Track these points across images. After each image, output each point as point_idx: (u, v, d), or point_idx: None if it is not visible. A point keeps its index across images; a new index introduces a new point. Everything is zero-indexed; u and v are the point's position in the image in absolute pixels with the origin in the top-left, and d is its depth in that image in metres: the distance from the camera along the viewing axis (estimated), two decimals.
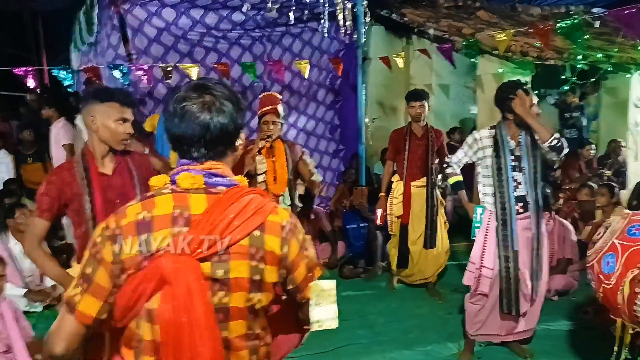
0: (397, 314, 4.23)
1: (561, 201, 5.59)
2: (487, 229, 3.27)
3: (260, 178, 3.61)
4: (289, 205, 3.67)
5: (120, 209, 1.24)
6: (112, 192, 2.23)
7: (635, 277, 1.89)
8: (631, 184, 6.44)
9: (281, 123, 3.60)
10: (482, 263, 3.28)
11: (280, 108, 3.56)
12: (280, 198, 3.66)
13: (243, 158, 3.50)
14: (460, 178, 3.49)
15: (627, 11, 3.16)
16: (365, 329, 3.95)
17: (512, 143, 3.18)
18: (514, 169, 3.16)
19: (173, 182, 1.25)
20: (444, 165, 3.57)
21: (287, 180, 3.65)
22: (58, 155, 5.57)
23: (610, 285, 2.01)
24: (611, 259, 2.02)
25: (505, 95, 3.16)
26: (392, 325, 4.02)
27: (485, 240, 3.28)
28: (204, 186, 1.23)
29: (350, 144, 6.55)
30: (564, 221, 4.68)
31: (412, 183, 4.44)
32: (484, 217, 3.32)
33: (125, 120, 2.19)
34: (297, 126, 6.43)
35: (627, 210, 2.52)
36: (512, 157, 3.16)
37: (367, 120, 6.49)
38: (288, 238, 1.26)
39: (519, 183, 3.17)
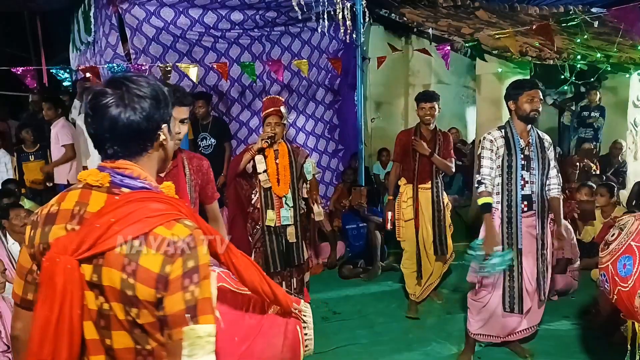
0: (397, 314, 4.23)
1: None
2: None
3: (262, 177, 3.64)
4: (292, 207, 3.69)
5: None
6: None
7: None
8: (630, 183, 6.45)
9: (284, 124, 3.66)
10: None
11: (283, 110, 3.63)
12: (283, 199, 3.69)
13: (241, 155, 3.63)
14: (490, 200, 3.20)
15: (626, 10, 3.16)
16: (365, 329, 3.95)
17: (522, 142, 3.22)
18: (522, 167, 3.19)
19: None
20: (475, 185, 3.34)
21: (291, 181, 3.69)
22: (58, 155, 5.58)
23: (627, 288, 1.98)
24: (628, 261, 1.98)
25: (513, 91, 3.21)
26: (392, 325, 4.01)
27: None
28: (107, 185, 1.19)
29: (350, 143, 6.55)
30: (564, 221, 4.66)
31: (419, 186, 4.18)
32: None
33: (183, 121, 2.17)
34: (297, 125, 6.41)
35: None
36: (522, 156, 3.19)
37: (370, 120, 6.49)
38: (173, 259, 1.10)
39: (526, 182, 3.20)
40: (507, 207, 3.19)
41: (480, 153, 3.29)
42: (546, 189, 3.29)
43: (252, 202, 3.75)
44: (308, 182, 3.87)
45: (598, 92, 6.86)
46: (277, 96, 3.83)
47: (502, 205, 3.21)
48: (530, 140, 3.22)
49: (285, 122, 3.68)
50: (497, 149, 3.23)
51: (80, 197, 1.20)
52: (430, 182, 4.14)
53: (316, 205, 3.86)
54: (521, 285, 3.23)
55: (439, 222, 4.16)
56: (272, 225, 3.65)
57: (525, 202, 3.19)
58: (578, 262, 4.62)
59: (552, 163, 3.33)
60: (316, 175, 4.02)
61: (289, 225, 3.70)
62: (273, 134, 3.56)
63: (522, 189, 3.18)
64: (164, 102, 1.23)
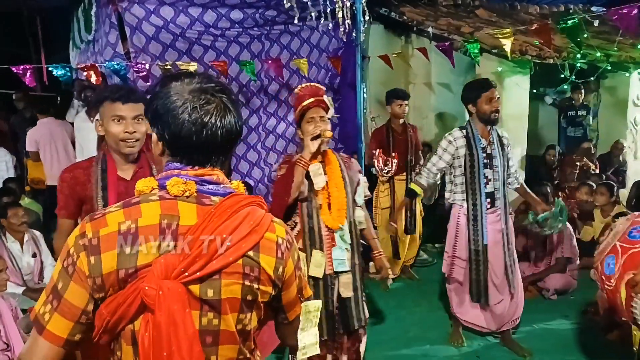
0: (396, 313, 4.23)
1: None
2: (457, 223, 3.42)
3: (320, 198, 2.57)
4: (349, 244, 2.64)
5: (98, 214, 1.10)
6: None
7: (630, 281, 1.89)
8: (630, 182, 6.44)
9: (330, 120, 2.66)
10: (454, 254, 3.46)
11: (327, 100, 2.63)
12: (337, 234, 2.58)
13: (290, 174, 2.52)
14: (419, 190, 3.50)
15: (626, 10, 3.18)
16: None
17: (484, 141, 3.31)
18: (485, 165, 3.29)
19: (162, 187, 1.13)
20: (418, 171, 3.63)
21: (347, 207, 2.61)
22: (43, 155, 5.58)
23: (611, 287, 2.02)
24: (612, 260, 2.03)
25: (470, 94, 3.33)
26: (392, 324, 4.01)
27: (456, 234, 3.45)
28: (195, 194, 1.12)
29: (349, 142, 6.54)
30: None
31: (395, 178, 4.81)
32: (454, 212, 3.45)
33: (120, 118, 2.00)
34: (296, 124, 6.43)
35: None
36: (484, 155, 3.29)
37: (370, 119, 6.49)
38: (284, 258, 1.17)
39: (489, 179, 3.31)
40: (472, 205, 3.31)
41: (437, 148, 3.44)
42: (508, 182, 3.50)
43: None
44: (359, 207, 2.79)
45: (582, 92, 6.87)
46: (316, 84, 2.75)
47: (467, 203, 3.33)
48: (491, 139, 3.33)
49: (330, 116, 2.66)
50: (457, 149, 3.33)
51: (163, 210, 1.09)
52: (405, 173, 4.77)
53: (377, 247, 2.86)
54: (486, 279, 3.35)
55: (411, 208, 4.75)
56: (320, 274, 2.52)
57: (489, 199, 3.32)
58: (578, 262, 4.62)
59: (510, 159, 3.49)
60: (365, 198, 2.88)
61: (344, 272, 2.60)
62: (321, 131, 2.52)
63: (486, 187, 3.29)
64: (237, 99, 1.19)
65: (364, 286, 2.77)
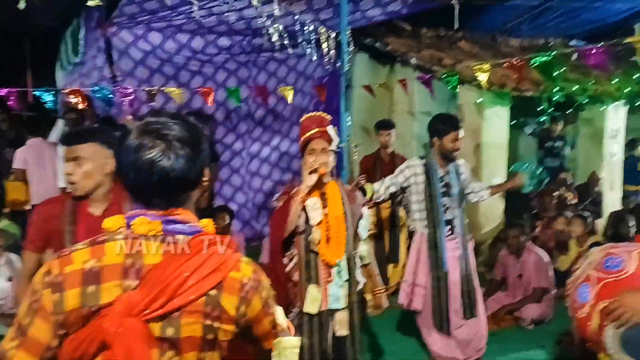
0: (374, 342, 4.22)
1: (538, 230, 5.67)
2: (419, 250, 3.52)
3: (316, 233, 2.49)
4: (346, 280, 2.53)
5: (65, 252, 1.13)
6: None
7: (604, 309, 1.94)
8: (607, 213, 6.56)
9: (334, 152, 2.55)
10: (414, 281, 3.53)
11: (331, 131, 2.54)
12: (334, 270, 2.50)
13: (286, 207, 2.51)
14: (369, 190, 3.52)
15: (595, 50, 3.33)
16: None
17: (441, 171, 3.47)
18: (443, 194, 3.44)
19: (129, 226, 1.15)
20: (401, 198, 3.73)
21: (346, 241, 2.52)
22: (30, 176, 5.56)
23: (583, 316, 2.05)
24: (585, 289, 2.06)
25: (438, 128, 3.46)
26: (369, 354, 4.01)
27: (417, 260, 3.53)
28: (161, 234, 1.13)
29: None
30: (540, 250, 4.74)
31: (381, 205, 4.83)
32: (415, 240, 3.57)
33: (65, 159, 2.06)
34: (280, 149, 6.50)
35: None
36: (442, 184, 3.44)
37: (353, 146, 6.57)
38: (248, 297, 1.16)
39: (447, 208, 3.45)
40: (433, 232, 3.43)
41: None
42: (478, 198, 3.67)
43: (286, 270, 2.57)
44: (363, 241, 2.71)
45: (560, 123, 7.05)
46: (321, 113, 2.66)
47: (428, 231, 3.45)
48: (448, 169, 3.49)
49: (335, 148, 2.56)
50: (414, 176, 3.49)
51: (129, 249, 1.11)
52: (390, 201, 4.72)
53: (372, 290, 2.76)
54: (447, 306, 3.43)
55: (394, 236, 4.92)
56: (315, 310, 2.47)
57: (449, 227, 3.45)
58: (554, 291, 4.68)
59: (470, 179, 3.64)
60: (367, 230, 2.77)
61: (340, 310, 2.52)
62: (320, 164, 2.45)
63: (445, 214, 3.44)
64: (204, 142, 1.18)
65: (362, 326, 2.67)
